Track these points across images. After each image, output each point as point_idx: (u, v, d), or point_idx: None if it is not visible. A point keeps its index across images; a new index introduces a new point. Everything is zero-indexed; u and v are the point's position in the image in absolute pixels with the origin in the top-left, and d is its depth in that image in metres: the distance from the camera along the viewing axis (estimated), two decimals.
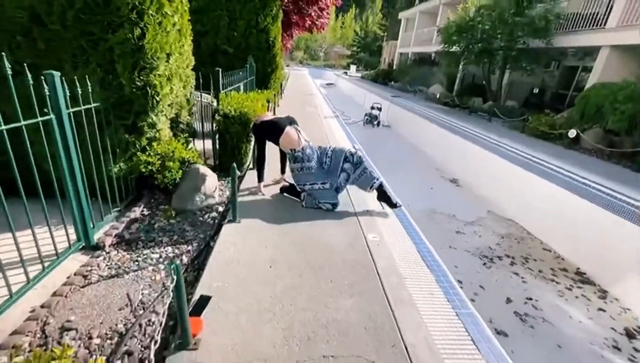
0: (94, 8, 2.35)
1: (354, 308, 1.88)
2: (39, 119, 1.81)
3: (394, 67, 25.82)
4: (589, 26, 9.67)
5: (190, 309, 1.62)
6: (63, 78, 1.96)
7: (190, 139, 3.83)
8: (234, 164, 2.32)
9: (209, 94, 4.03)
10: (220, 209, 2.99)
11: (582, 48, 10.38)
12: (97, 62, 2.48)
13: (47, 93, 1.87)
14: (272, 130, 3.12)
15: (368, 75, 27.24)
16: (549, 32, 10.00)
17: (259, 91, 6.67)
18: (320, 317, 1.79)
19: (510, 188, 6.22)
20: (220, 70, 3.65)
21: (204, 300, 1.71)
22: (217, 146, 3.81)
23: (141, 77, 2.58)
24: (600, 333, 3.41)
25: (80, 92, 2.12)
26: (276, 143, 3.15)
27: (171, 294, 1.21)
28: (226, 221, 2.56)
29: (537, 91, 12.44)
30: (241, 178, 3.61)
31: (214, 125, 3.70)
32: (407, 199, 5.81)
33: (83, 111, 2.21)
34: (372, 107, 13.04)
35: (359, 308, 1.88)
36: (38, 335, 1.65)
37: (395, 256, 2.50)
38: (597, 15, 9.45)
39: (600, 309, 3.79)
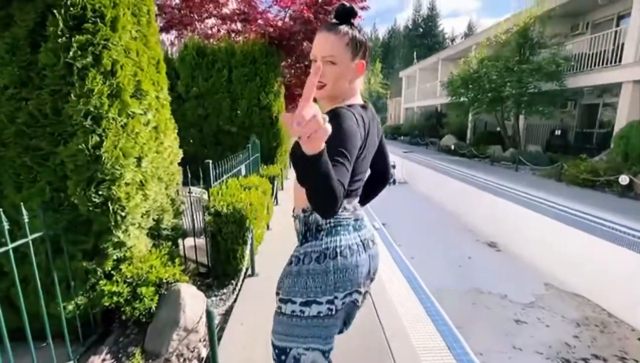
0: (41, 119, 1.94)
1: None
2: None
3: (401, 121, 26.20)
4: (601, 64, 9.38)
5: None
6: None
7: (179, 241, 3.25)
8: (209, 309, 1.61)
9: (201, 186, 3.54)
10: (204, 353, 2.22)
11: (599, 86, 9.96)
12: (47, 180, 2.02)
13: None
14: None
15: None
16: (561, 74, 9.70)
17: (265, 166, 6.29)
18: None
19: (569, 253, 5.18)
20: (211, 162, 3.18)
21: None
22: (210, 248, 3.18)
23: (99, 193, 2.06)
24: None
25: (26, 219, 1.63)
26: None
27: None
28: None
29: (559, 132, 11.77)
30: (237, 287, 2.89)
31: (206, 225, 3.13)
32: (442, 277, 4.91)
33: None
34: None
35: None
36: None
37: None
38: (605, 52, 9.28)
39: None
